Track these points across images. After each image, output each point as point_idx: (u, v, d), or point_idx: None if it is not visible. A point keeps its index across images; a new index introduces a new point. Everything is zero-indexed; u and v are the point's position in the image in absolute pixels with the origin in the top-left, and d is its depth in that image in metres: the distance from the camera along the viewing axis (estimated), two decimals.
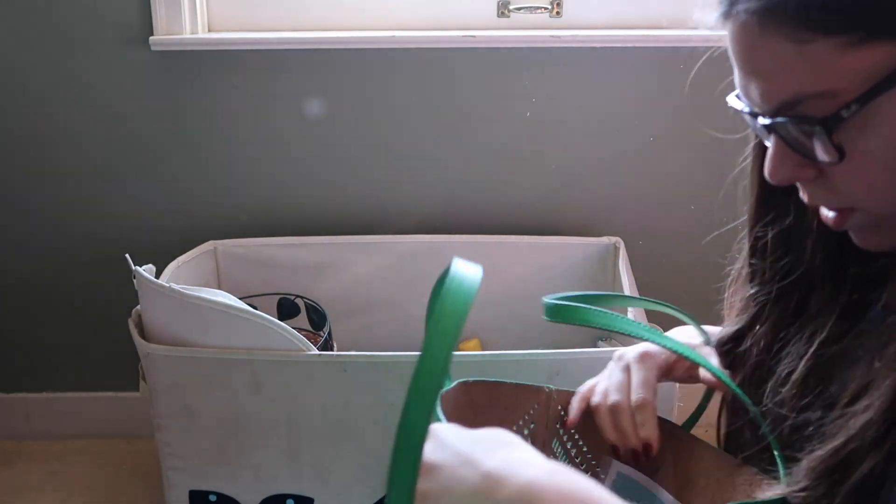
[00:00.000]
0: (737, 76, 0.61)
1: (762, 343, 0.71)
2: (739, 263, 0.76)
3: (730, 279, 0.78)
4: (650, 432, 0.74)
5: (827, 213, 0.62)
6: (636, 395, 0.76)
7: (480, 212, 1.81)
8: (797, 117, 0.56)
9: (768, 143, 0.61)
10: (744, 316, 0.74)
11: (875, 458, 0.55)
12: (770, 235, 0.71)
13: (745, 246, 0.74)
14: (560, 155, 1.78)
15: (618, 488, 0.79)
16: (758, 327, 0.72)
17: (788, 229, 0.70)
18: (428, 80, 1.73)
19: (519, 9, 1.72)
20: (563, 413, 0.82)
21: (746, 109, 0.61)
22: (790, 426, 0.66)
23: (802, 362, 0.66)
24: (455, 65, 1.72)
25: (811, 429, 0.63)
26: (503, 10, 1.72)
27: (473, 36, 1.68)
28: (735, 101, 0.64)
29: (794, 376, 0.66)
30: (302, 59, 1.71)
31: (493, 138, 1.77)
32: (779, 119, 0.57)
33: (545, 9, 1.72)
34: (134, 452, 1.90)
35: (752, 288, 0.73)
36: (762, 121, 0.59)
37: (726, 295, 0.78)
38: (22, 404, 1.96)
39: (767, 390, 0.69)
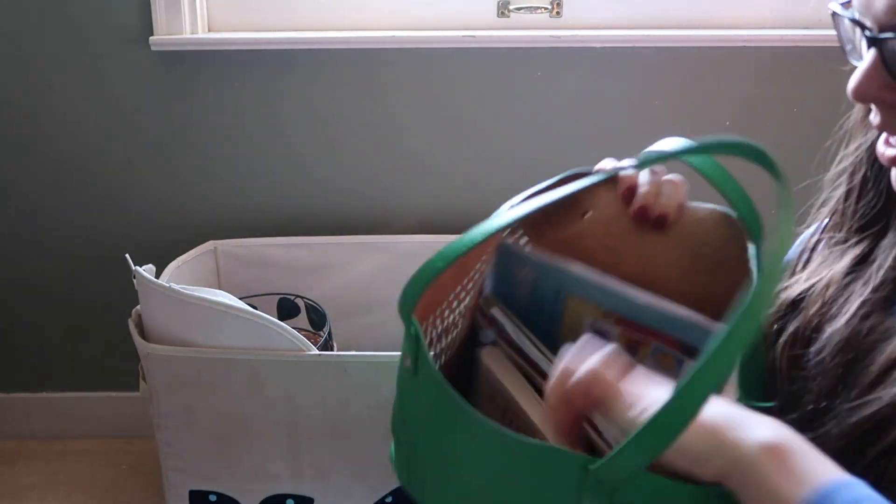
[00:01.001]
0: None
1: (820, 294, 0.71)
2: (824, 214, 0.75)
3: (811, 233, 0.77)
4: (672, 204, 0.75)
5: (883, 150, 0.61)
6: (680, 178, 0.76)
7: (480, 212, 1.79)
8: None
9: (856, 61, 0.60)
10: (814, 265, 0.74)
11: None
12: (858, 175, 0.70)
13: (840, 187, 0.73)
14: (560, 155, 1.78)
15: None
16: (820, 278, 0.72)
17: (867, 171, 0.69)
18: (428, 81, 1.73)
19: (519, 9, 1.72)
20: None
21: (854, 17, 0.60)
22: (824, 392, 0.65)
23: (846, 322, 0.65)
24: (455, 65, 1.72)
25: (841, 398, 0.62)
26: (503, 10, 1.72)
27: (473, 36, 1.68)
28: (838, 7, 0.62)
29: (837, 339, 0.65)
30: (302, 59, 1.71)
31: (493, 138, 1.77)
32: (890, 34, 0.56)
33: (545, 9, 1.72)
34: (134, 452, 1.90)
35: (834, 232, 0.73)
36: (868, 34, 0.58)
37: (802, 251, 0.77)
38: (22, 404, 1.96)
39: (812, 352, 0.69)
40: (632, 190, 0.77)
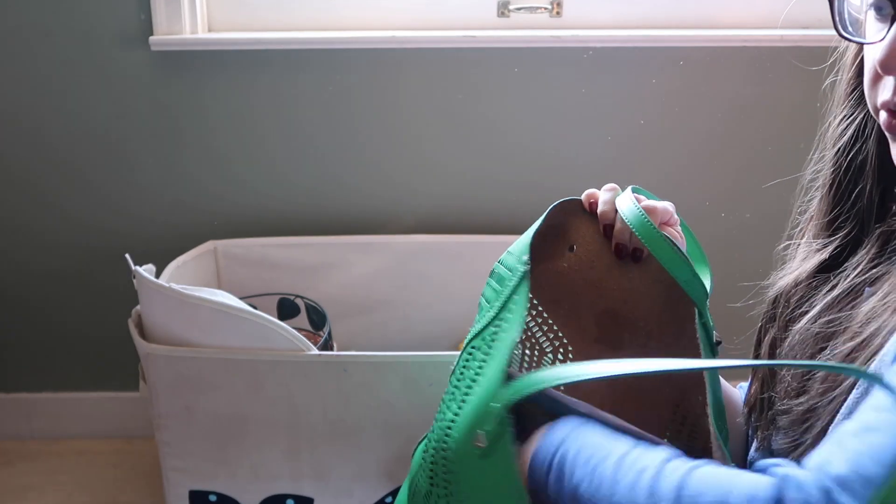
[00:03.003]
0: None
1: (787, 296, 0.74)
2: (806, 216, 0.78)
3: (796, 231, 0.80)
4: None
5: (893, 120, 0.62)
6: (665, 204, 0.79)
7: (480, 212, 1.81)
8: None
9: (882, 33, 0.61)
10: (793, 264, 0.76)
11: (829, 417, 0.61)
12: (838, 175, 0.72)
13: (819, 190, 0.75)
14: (560, 155, 1.78)
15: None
16: (791, 279, 0.74)
17: (856, 165, 0.71)
18: (428, 80, 1.73)
19: (519, 9, 1.72)
20: None
21: None
22: (793, 391, 0.68)
23: (807, 324, 0.68)
24: (455, 65, 1.72)
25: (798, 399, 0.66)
26: (503, 10, 1.72)
27: (473, 36, 1.68)
28: None
29: (798, 339, 0.68)
30: (302, 59, 1.71)
31: (492, 138, 1.77)
32: None
33: (545, 9, 1.73)
34: (134, 452, 1.90)
35: (809, 234, 0.75)
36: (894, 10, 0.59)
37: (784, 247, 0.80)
38: (22, 404, 1.96)
39: (781, 354, 0.72)
40: (609, 227, 0.81)
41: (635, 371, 0.57)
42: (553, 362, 0.86)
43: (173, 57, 1.71)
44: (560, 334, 0.86)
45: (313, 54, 1.71)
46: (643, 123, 1.76)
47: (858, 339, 0.61)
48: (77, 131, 1.76)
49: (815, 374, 0.64)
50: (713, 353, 0.75)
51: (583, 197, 0.83)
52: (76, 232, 1.83)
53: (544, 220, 0.80)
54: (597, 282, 0.83)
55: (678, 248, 0.74)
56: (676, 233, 0.80)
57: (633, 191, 0.81)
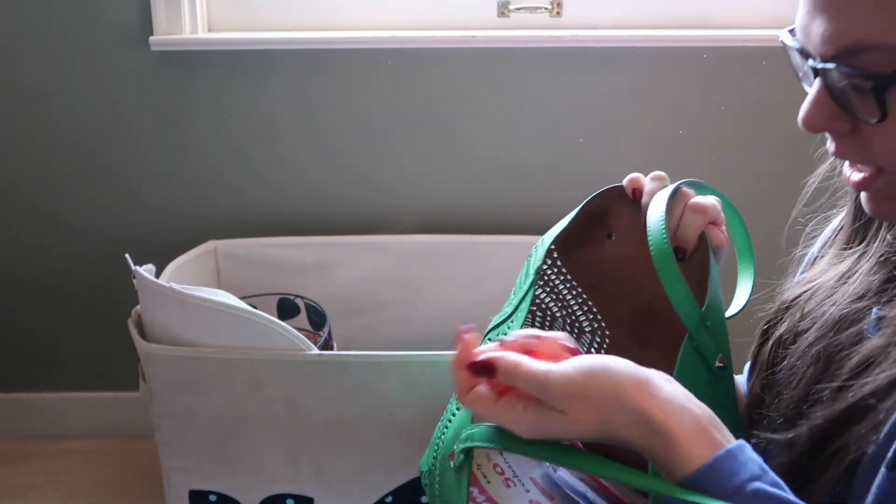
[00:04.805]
0: (801, 12, 0.59)
1: (803, 303, 0.71)
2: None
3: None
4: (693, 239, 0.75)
5: (849, 174, 0.61)
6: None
7: (480, 212, 1.81)
8: (851, 67, 0.54)
9: (808, 87, 0.60)
10: (812, 272, 0.74)
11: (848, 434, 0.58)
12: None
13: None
14: (560, 155, 1.78)
15: None
16: (808, 288, 0.72)
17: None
18: (428, 81, 1.73)
19: (519, 9, 1.72)
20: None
21: (797, 47, 0.60)
22: (799, 398, 0.66)
23: (818, 332, 0.66)
24: (455, 65, 1.72)
25: (812, 402, 0.63)
26: (503, 10, 1.72)
27: (473, 36, 1.68)
28: (787, 37, 0.62)
29: (811, 347, 0.66)
30: (302, 59, 1.71)
31: (492, 138, 1.77)
32: (830, 65, 0.56)
33: (545, 9, 1.72)
34: (134, 452, 1.90)
35: (835, 246, 0.74)
36: (812, 63, 0.58)
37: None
38: (22, 404, 1.96)
39: (788, 360, 0.69)
40: None
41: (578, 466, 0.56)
42: (591, 343, 0.84)
43: (173, 57, 1.71)
44: (599, 317, 0.83)
45: (313, 54, 1.71)
46: (643, 123, 1.76)
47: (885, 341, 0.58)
48: (77, 130, 1.76)
49: (823, 392, 0.62)
50: (709, 376, 0.71)
51: (625, 182, 0.78)
52: (76, 231, 1.83)
53: (582, 209, 0.78)
54: (634, 277, 0.79)
55: (679, 273, 0.69)
56: (722, 234, 0.76)
57: (692, 185, 0.76)
